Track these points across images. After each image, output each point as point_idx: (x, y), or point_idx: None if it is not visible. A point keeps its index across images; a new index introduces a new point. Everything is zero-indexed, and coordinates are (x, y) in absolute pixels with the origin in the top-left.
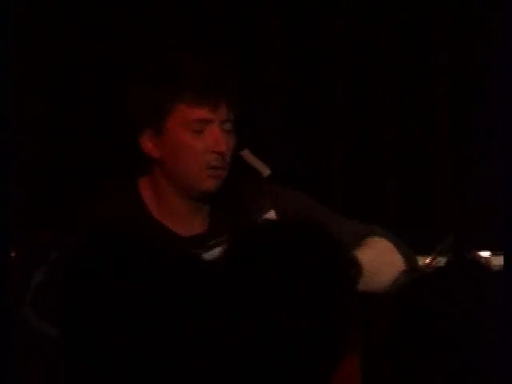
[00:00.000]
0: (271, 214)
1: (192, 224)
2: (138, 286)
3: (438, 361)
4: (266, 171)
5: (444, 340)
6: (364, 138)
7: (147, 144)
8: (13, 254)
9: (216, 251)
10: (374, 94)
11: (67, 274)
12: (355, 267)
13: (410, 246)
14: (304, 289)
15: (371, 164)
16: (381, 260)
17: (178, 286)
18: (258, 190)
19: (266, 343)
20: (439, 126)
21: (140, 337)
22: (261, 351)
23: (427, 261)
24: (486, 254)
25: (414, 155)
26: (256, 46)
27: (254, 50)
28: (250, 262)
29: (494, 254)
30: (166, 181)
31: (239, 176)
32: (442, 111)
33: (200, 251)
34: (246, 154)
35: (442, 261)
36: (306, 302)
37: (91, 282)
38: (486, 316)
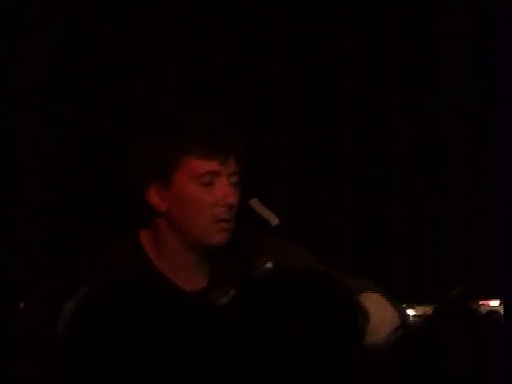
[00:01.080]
0: (269, 267)
1: (194, 278)
2: (141, 341)
3: None
4: (274, 220)
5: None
6: (373, 191)
7: (154, 197)
8: (22, 305)
9: (219, 303)
10: (386, 142)
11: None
12: (364, 315)
13: (419, 296)
14: (314, 337)
15: (379, 217)
16: (378, 316)
17: (179, 337)
18: (257, 244)
19: None
20: (449, 171)
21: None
22: None
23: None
24: (495, 302)
25: (423, 201)
26: (261, 95)
27: (259, 100)
28: (258, 311)
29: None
30: (172, 234)
31: (238, 229)
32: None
33: (201, 304)
34: (255, 203)
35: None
36: (315, 349)
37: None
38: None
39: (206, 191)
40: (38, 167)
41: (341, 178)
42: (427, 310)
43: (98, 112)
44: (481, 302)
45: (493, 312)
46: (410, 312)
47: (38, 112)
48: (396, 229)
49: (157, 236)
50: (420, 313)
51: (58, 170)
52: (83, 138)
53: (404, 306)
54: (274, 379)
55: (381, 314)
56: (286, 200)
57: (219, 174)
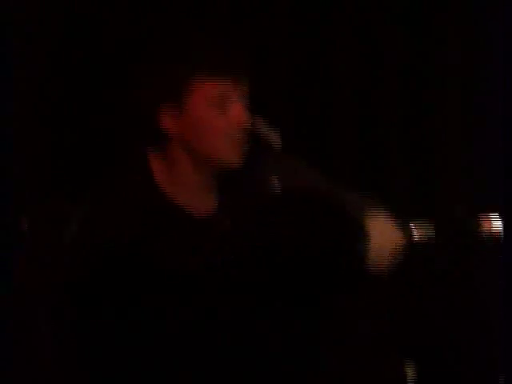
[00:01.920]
0: (275, 184)
1: (203, 201)
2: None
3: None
4: (277, 141)
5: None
6: (372, 105)
7: (166, 120)
8: (26, 225)
9: (227, 228)
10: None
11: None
12: (364, 234)
13: (422, 211)
14: (316, 257)
15: (379, 133)
16: (381, 237)
17: (190, 258)
18: (262, 161)
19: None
20: (448, 81)
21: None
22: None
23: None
24: (495, 215)
25: (423, 115)
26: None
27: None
28: (263, 232)
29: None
30: (184, 157)
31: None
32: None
33: (211, 229)
34: (258, 123)
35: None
36: (318, 267)
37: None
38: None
39: (219, 114)
40: (49, 95)
41: (341, 97)
42: (427, 226)
43: (109, 32)
44: (480, 216)
45: (492, 234)
46: (413, 229)
47: (42, 35)
48: (396, 145)
49: (167, 159)
50: (422, 229)
51: (69, 90)
52: (95, 57)
53: (410, 223)
54: (276, 294)
55: (383, 235)
56: (288, 119)
57: (232, 96)
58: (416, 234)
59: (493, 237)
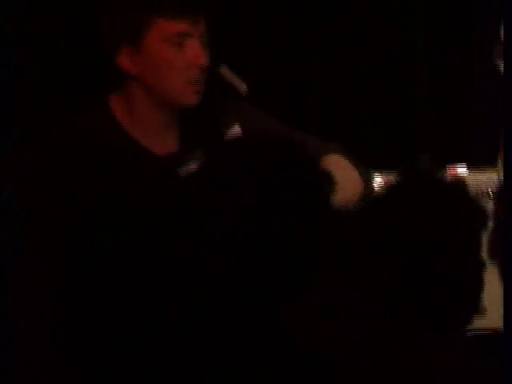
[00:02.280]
0: (236, 129)
1: (165, 141)
2: (116, 202)
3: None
4: (243, 88)
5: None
6: (342, 57)
7: (124, 61)
8: None
9: (189, 167)
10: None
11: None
12: (328, 179)
13: (389, 161)
14: (280, 200)
15: (348, 79)
16: (340, 176)
17: (151, 200)
18: (225, 107)
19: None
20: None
21: (114, 246)
22: (238, 256)
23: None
24: (462, 168)
25: (392, 66)
26: None
27: None
28: (227, 177)
29: (470, 168)
30: (143, 97)
31: (208, 93)
32: None
33: (175, 168)
34: (225, 71)
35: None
36: (282, 212)
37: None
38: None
39: (177, 52)
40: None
41: (309, 46)
42: (393, 176)
43: None
44: (448, 169)
45: (458, 179)
46: (377, 178)
47: None
48: (366, 94)
49: (128, 100)
50: (387, 179)
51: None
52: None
53: (372, 171)
54: (239, 246)
55: (343, 174)
56: (255, 67)
57: (190, 34)
58: (378, 182)
59: (459, 186)
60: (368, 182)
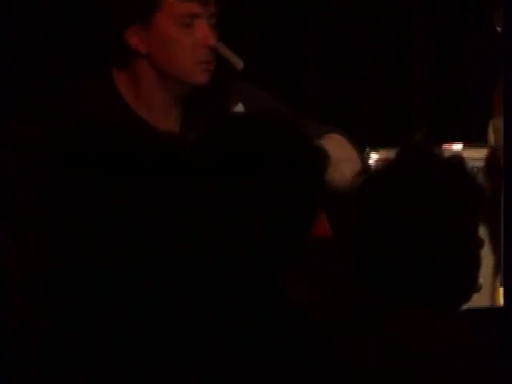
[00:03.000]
0: (239, 107)
1: (167, 120)
2: (116, 176)
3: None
4: (239, 64)
5: (401, 226)
6: (339, 36)
7: (133, 39)
8: None
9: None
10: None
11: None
12: (323, 155)
13: (386, 139)
14: (275, 174)
15: (344, 55)
16: (341, 154)
17: (156, 175)
18: (226, 85)
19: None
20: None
21: (116, 222)
22: (239, 228)
23: None
24: (458, 145)
25: (387, 45)
26: None
27: None
28: (221, 151)
29: (466, 145)
30: (150, 75)
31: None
32: None
33: (177, 146)
34: (221, 47)
35: None
36: (278, 186)
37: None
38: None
39: (186, 33)
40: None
41: (309, 25)
42: (390, 153)
43: None
44: (443, 146)
45: (455, 156)
46: (374, 156)
47: None
48: (362, 73)
49: (133, 77)
50: (383, 156)
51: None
52: None
53: (367, 149)
54: (237, 220)
55: (341, 152)
56: (252, 44)
57: (199, 15)
58: (374, 159)
59: (457, 163)
60: (365, 161)
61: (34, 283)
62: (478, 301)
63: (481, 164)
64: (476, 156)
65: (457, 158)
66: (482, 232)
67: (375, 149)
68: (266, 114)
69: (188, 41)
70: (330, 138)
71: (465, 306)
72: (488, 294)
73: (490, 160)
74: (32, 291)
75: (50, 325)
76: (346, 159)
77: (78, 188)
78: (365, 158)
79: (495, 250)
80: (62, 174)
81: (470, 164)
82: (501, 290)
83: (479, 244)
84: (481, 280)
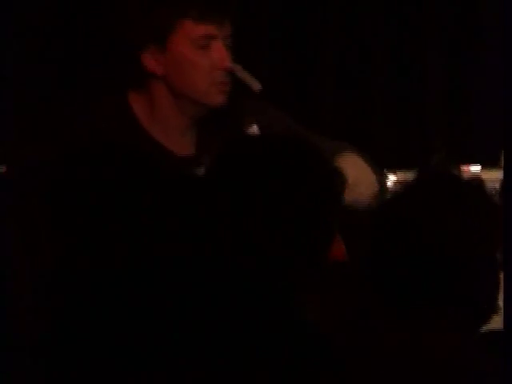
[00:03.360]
0: (254, 129)
1: (183, 142)
2: (130, 199)
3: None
4: (257, 86)
5: (418, 248)
6: (356, 58)
7: (149, 60)
8: (3, 170)
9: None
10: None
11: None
12: (340, 177)
13: (404, 160)
14: (292, 197)
15: (361, 77)
16: (357, 174)
17: (171, 198)
18: (240, 107)
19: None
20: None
21: (129, 244)
22: (249, 255)
23: None
24: (476, 167)
25: (406, 67)
26: None
27: None
28: (238, 173)
29: (484, 167)
30: (166, 97)
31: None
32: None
33: (190, 169)
34: (238, 69)
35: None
36: (294, 209)
37: (80, 193)
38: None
39: (202, 54)
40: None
41: (323, 46)
42: (409, 175)
43: None
44: (462, 168)
45: (475, 178)
46: (392, 177)
47: None
48: (379, 94)
49: (149, 99)
50: (402, 178)
51: (53, 24)
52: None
53: (385, 171)
54: (251, 246)
55: (358, 173)
56: (269, 66)
57: (215, 36)
58: (393, 181)
59: (477, 185)
60: (383, 183)
61: (35, 283)
62: (495, 323)
63: (499, 185)
64: (494, 177)
65: (476, 180)
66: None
67: (393, 170)
68: (282, 136)
69: (204, 62)
70: (345, 157)
71: (483, 329)
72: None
73: None
74: (33, 291)
75: (50, 325)
76: (363, 180)
77: (93, 211)
78: (382, 177)
79: None
80: (77, 197)
81: (489, 185)
82: None
83: (498, 265)
84: (500, 302)
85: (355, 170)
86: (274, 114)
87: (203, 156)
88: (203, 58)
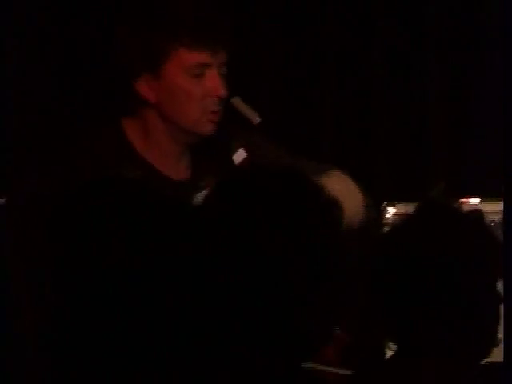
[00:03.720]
0: (241, 152)
1: (178, 168)
2: (128, 227)
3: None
4: (256, 118)
5: (421, 280)
6: (355, 89)
7: (143, 88)
8: (2, 201)
9: (203, 194)
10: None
11: (56, 218)
12: (337, 207)
13: (403, 193)
14: (289, 229)
15: (361, 110)
16: (342, 189)
17: (168, 227)
18: (229, 133)
19: (255, 279)
20: (431, 70)
21: (128, 274)
22: (249, 287)
23: None
24: (475, 200)
25: (406, 98)
26: None
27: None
28: (235, 206)
29: (483, 200)
30: (160, 124)
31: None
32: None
33: (188, 194)
34: (237, 101)
35: None
36: (290, 241)
37: (80, 226)
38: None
39: (196, 82)
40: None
41: (323, 78)
42: (408, 208)
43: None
44: (461, 201)
45: (475, 211)
46: (391, 210)
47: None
48: (378, 126)
49: (143, 125)
50: (400, 211)
51: (44, 54)
52: (75, 24)
53: (384, 204)
54: (249, 275)
55: (341, 187)
56: (269, 98)
57: (210, 65)
58: (391, 215)
59: (476, 218)
60: (369, 202)
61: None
62: (496, 356)
63: (498, 218)
64: (493, 210)
65: (476, 213)
66: (500, 287)
67: (392, 203)
68: (277, 168)
69: (198, 91)
70: (331, 174)
71: (483, 361)
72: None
73: None
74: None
75: (51, 326)
76: (349, 195)
77: (95, 241)
78: (367, 196)
79: None
80: (78, 228)
81: (488, 218)
82: None
83: (498, 298)
84: (500, 335)
85: (340, 184)
86: (258, 139)
87: (199, 180)
88: (196, 86)
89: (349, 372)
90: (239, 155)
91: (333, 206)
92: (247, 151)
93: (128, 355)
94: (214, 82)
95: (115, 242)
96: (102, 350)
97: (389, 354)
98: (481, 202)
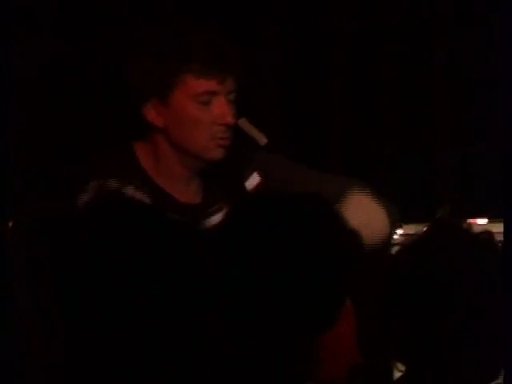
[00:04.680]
0: (255, 177)
1: (189, 192)
2: (137, 250)
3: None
4: (263, 140)
5: (429, 300)
6: (363, 104)
7: (151, 113)
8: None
9: (214, 219)
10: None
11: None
12: (357, 237)
13: (407, 214)
14: (307, 261)
15: (370, 129)
16: (360, 219)
17: (177, 252)
18: (242, 157)
19: (266, 311)
20: (437, 91)
21: (136, 300)
22: (260, 317)
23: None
24: (483, 221)
25: (413, 119)
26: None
27: (250, 23)
28: (250, 233)
29: (491, 221)
30: (168, 149)
31: (230, 146)
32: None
33: (199, 218)
34: (244, 123)
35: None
36: (308, 274)
37: (89, 247)
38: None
39: (204, 110)
40: (31, 79)
41: (329, 100)
42: (415, 228)
43: (99, 21)
44: (468, 221)
45: (484, 231)
46: (398, 231)
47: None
48: (385, 149)
49: (153, 149)
50: (407, 232)
51: (55, 78)
52: (84, 48)
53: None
54: (265, 298)
55: (363, 215)
56: (275, 119)
57: (217, 92)
58: (399, 236)
59: (486, 239)
60: (394, 216)
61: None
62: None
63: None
64: (501, 231)
65: (486, 234)
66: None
67: (399, 224)
68: (293, 195)
69: (205, 118)
70: (351, 199)
71: None
72: None
73: None
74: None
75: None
76: (369, 224)
77: (104, 266)
78: (394, 216)
79: None
80: (87, 253)
81: (496, 239)
82: None
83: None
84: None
85: (361, 212)
86: (275, 162)
87: (210, 205)
88: (204, 113)
89: None
90: (253, 180)
91: (352, 237)
92: (261, 175)
93: (128, 355)
94: (221, 110)
95: (125, 266)
96: (102, 349)
97: (397, 375)
98: (488, 222)
